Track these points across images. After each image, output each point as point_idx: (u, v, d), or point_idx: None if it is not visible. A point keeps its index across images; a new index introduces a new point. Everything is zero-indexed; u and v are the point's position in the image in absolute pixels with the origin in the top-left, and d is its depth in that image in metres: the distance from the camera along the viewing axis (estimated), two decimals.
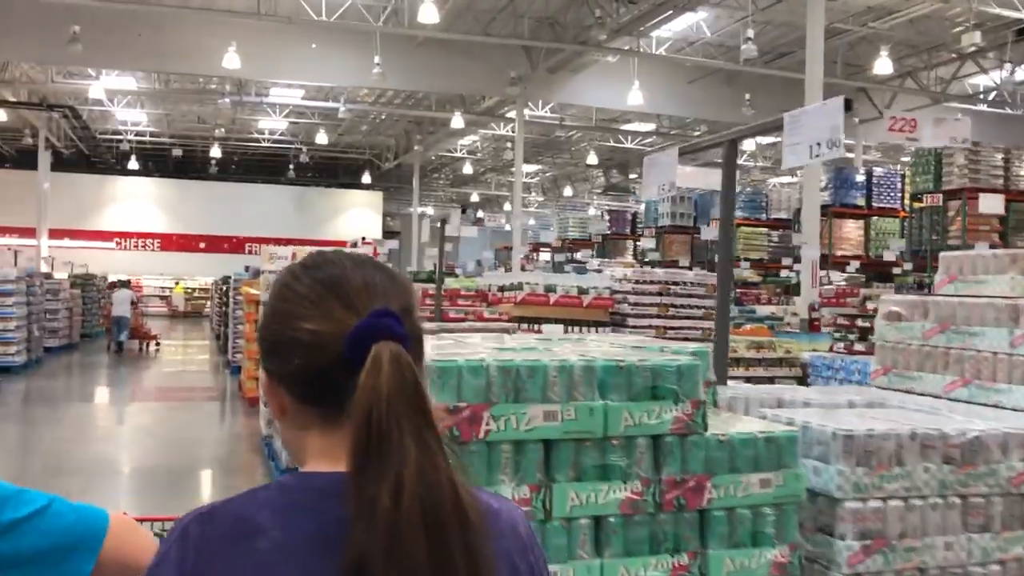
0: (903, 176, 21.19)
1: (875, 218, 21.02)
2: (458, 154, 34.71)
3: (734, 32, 18.93)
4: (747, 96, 20.81)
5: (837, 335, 9.13)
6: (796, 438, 2.83)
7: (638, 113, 25.28)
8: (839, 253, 20.63)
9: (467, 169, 34.84)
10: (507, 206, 45.85)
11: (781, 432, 2.81)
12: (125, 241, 37.19)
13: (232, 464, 9.49)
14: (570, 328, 8.19)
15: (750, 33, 15.75)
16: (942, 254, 4.88)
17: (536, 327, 8.32)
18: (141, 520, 1.58)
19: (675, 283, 9.52)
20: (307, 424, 1.09)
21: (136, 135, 33.44)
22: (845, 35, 18.84)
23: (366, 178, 37.25)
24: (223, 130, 31.87)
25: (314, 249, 1.33)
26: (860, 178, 20.97)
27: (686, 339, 8.00)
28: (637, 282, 9.48)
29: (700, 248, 24.16)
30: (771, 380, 8.12)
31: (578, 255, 29.94)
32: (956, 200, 18.15)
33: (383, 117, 30.35)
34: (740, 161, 33.39)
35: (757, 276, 22.54)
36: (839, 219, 20.83)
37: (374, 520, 0.94)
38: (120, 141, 33.49)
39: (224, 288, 21.00)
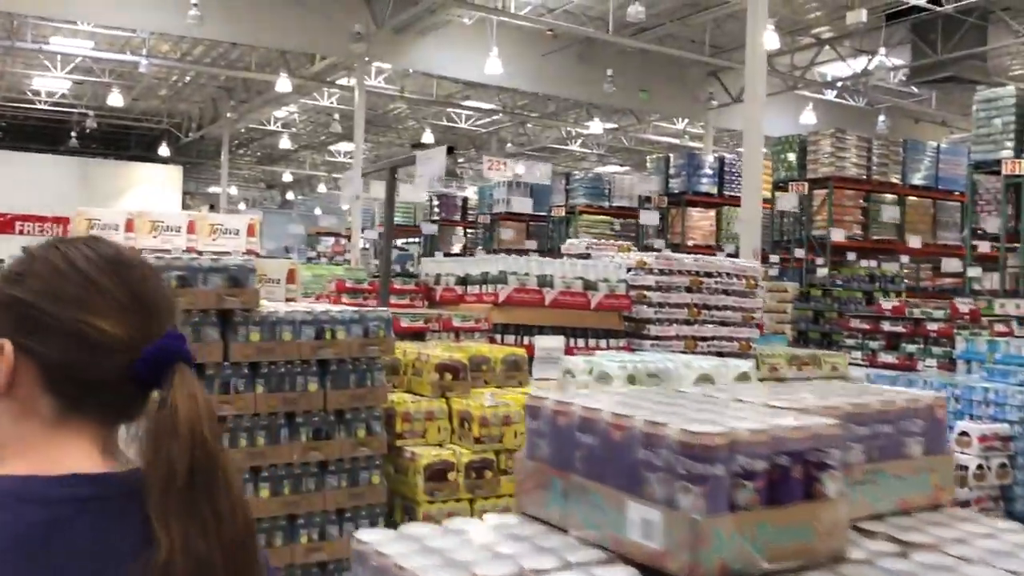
0: None
1: (726, 208, 20.22)
2: (271, 127, 31.34)
3: None
4: (609, 72, 19.34)
5: (852, 342, 7.52)
6: None
7: (482, 88, 23.35)
8: (690, 243, 19.81)
9: (284, 144, 31.53)
10: (321, 187, 42.60)
11: None
12: None
13: None
14: (573, 339, 5.77)
15: None
16: None
17: (527, 339, 5.74)
18: None
19: (707, 274, 7.01)
20: (36, 411, 0.97)
21: None
22: (712, 10, 17.81)
23: (163, 150, 32.96)
24: None
25: (92, 233, 1.16)
26: (710, 166, 20.15)
27: (719, 354, 5.99)
28: (662, 272, 6.96)
29: (540, 236, 22.98)
30: None
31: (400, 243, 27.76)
32: (822, 189, 17.63)
33: (187, 79, 26.64)
34: (575, 147, 32.42)
35: None
36: (690, 207, 20.00)
37: (188, 548, 0.89)
38: None
39: None
